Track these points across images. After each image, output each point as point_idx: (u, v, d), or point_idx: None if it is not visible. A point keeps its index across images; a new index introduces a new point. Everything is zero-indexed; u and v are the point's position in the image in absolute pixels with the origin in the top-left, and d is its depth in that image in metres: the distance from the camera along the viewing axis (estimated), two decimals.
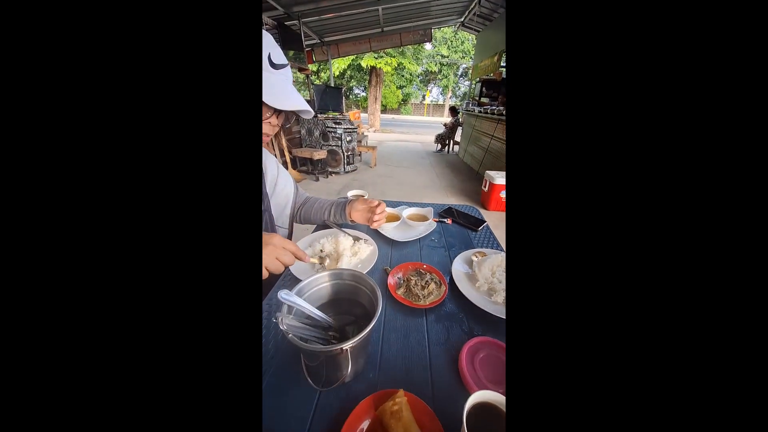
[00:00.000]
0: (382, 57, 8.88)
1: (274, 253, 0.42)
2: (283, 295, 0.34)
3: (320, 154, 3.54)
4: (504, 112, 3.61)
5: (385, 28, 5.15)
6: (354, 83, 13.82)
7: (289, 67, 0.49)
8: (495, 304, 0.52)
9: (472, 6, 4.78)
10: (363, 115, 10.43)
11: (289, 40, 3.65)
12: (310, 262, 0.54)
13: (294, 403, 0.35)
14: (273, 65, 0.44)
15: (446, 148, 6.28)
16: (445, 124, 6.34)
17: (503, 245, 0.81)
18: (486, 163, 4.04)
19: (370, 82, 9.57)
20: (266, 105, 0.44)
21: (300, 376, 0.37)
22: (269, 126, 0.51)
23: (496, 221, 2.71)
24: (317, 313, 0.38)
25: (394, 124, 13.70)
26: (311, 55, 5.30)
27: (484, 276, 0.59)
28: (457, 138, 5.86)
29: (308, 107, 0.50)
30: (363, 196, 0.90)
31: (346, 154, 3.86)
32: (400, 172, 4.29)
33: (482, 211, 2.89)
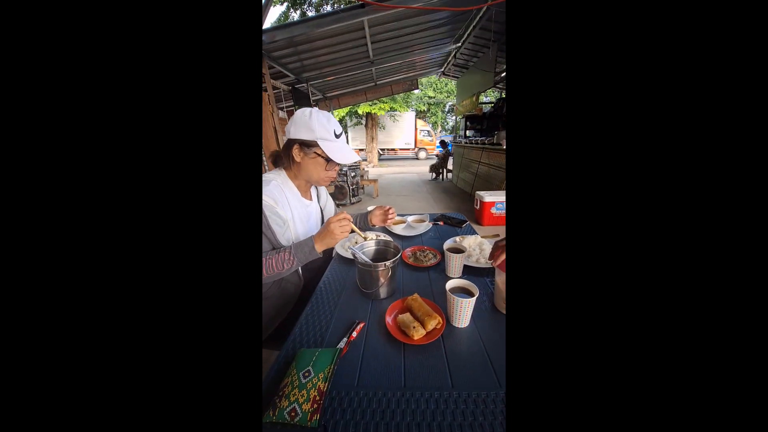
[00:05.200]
0: (375, 104, 10.02)
1: (337, 226, 0.68)
2: (351, 247, 0.66)
3: (329, 190, 4.02)
4: (486, 142, 4.14)
5: (378, 82, 6.04)
6: (354, 125, 15.21)
7: (343, 134, 0.84)
8: (471, 262, 0.83)
9: (449, 59, 5.68)
10: (361, 152, 11.39)
11: (299, 98, 4.40)
12: (355, 230, 0.75)
13: (360, 306, 0.64)
14: (336, 136, 0.78)
15: (440, 176, 6.83)
16: (437, 155, 6.98)
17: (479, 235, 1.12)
18: (477, 185, 4.47)
19: (366, 124, 10.68)
20: (334, 162, 0.76)
21: (359, 293, 0.67)
22: (334, 173, 0.83)
23: (488, 233, 3.01)
24: (365, 258, 0.69)
25: (391, 158, 14.72)
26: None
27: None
28: (450, 167, 6.44)
29: (359, 157, 0.82)
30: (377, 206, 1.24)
31: (351, 188, 4.32)
32: (400, 200, 4.70)
33: (476, 227, 3.22)
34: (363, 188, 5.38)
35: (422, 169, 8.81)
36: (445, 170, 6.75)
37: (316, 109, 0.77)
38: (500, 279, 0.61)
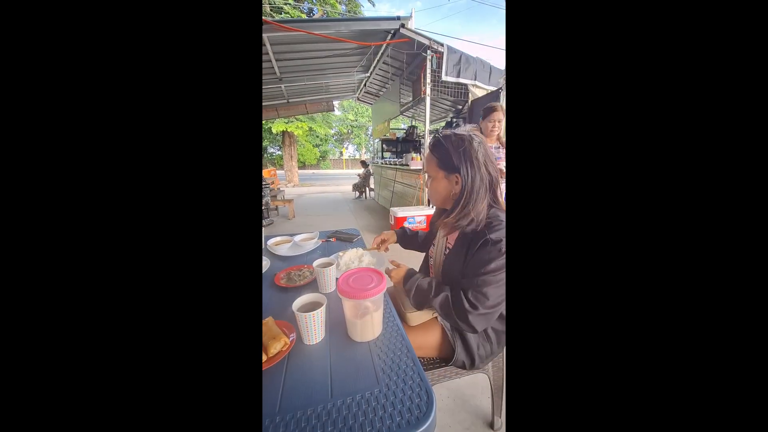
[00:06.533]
0: (292, 122, 9.70)
1: None
2: None
3: None
4: (398, 163, 4.57)
5: (290, 100, 5.92)
6: (267, 143, 14.22)
7: None
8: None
9: (361, 86, 6.13)
10: (280, 172, 10.68)
11: None
12: None
13: None
14: None
15: (363, 194, 7.06)
16: (359, 175, 7.24)
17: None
18: (394, 202, 4.81)
19: (284, 142, 10.16)
20: None
21: None
22: None
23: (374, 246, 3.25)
24: None
25: (315, 178, 14.38)
26: None
27: (344, 262, 0.91)
28: (373, 185, 6.77)
29: None
30: None
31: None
32: (319, 220, 4.57)
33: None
34: (276, 209, 5.00)
35: (348, 188, 8.94)
36: (368, 188, 7.04)
37: None
38: (345, 306, 0.59)
